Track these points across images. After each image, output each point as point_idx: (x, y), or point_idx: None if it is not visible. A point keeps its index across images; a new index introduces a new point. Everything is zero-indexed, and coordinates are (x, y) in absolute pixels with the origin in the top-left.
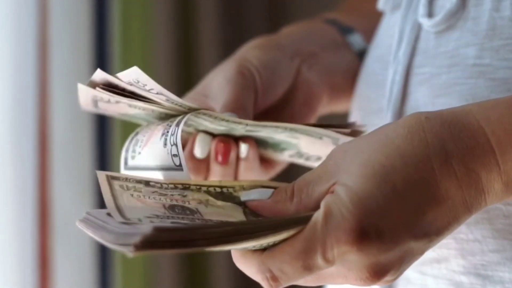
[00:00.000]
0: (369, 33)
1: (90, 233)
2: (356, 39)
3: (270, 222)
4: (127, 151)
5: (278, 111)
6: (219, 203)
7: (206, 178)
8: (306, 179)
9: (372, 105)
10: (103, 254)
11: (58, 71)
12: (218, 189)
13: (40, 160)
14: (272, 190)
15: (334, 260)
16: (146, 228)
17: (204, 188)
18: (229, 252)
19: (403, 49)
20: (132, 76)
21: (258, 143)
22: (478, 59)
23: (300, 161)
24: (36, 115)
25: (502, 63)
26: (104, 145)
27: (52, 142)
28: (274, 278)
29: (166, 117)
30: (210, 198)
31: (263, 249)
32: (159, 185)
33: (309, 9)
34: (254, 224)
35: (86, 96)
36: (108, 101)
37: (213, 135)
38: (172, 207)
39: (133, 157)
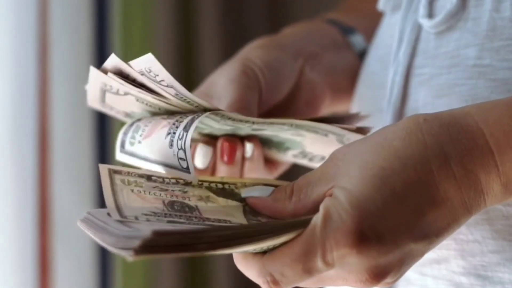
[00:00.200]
0: (369, 33)
1: (91, 234)
2: (357, 39)
3: (269, 226)
4: (125, 134)
5: (281, 111)
6: (220, 199)
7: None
8: (306, 179)
9: (372, 106)
10: (103, 254)
11: (58, 71)
12: (220, 186)
13: (40, 160)
14: (272, 188)
15: (334, 263)
16: (145, 231)
17: (205, 184)
18: (229, 254)
19: (403, 50)
20: (145, 64)
21: (262, 143)
22: (478, 60)
23: (304, 162)
24: (36, 114)
25: (502, 63)
26: (104, 145)
27: (52, 142)
28: (274, 282)
29: (172, 113)
30: (211, 194)
31: (264, 252)
32: (161, 179)
33: (309, 9)
34: (253, 228)
35: (95, 84)
36: (117, 92)
37: (216, 137)
38: (171, 204)
39: (131, 143)
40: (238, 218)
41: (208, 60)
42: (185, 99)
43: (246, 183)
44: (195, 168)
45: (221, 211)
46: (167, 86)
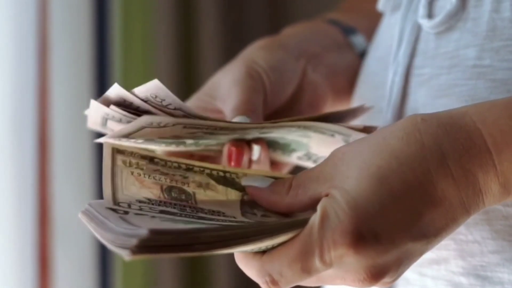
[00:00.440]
0: (370, 33)
1: (91, 228)
2: (358, 40)
3: (267, 226)
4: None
5: (283, 113)
6: (220, 187)
7: None
8: (305, 175)
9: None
10: (103, 254)
11: (58, 71)
12: (221, 173)
13: (40, 160)
14: (272, 180)
15: (332, 263)
16: (142, 229)
17: (207, 171)
18: (229, 254)
19: (403, 50)
20: (151, 91)
21: (268, 145)
22: (478, 60)
23: (308, 164)
24: (36, 115)
25: (502, 64)
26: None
27: (52, 142)
28: (273, 282)
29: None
30: (211, 181)
31: (264, 251)
32: (163, 162)
33: (309, 9)
34: (251, 228)
35: (96, 113)
36: (120, 121)
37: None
38: (169, 189)
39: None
40: (233, 210)
41: (208, 60)
42: (194, 118)
43: (247, 174)
44: None
45: (217, 202)
46: (174, 109)
